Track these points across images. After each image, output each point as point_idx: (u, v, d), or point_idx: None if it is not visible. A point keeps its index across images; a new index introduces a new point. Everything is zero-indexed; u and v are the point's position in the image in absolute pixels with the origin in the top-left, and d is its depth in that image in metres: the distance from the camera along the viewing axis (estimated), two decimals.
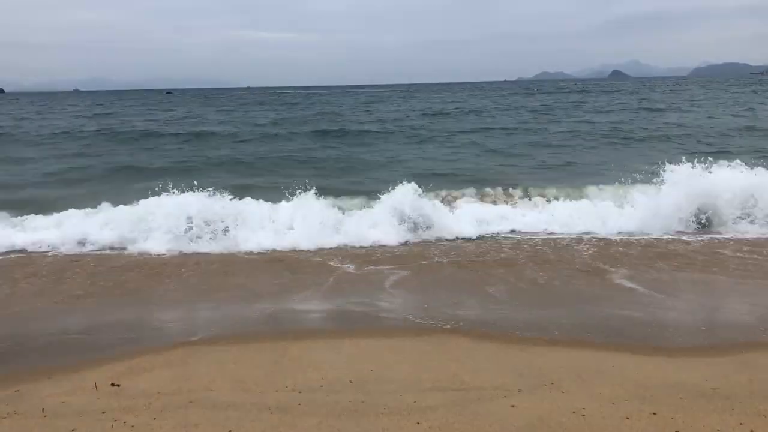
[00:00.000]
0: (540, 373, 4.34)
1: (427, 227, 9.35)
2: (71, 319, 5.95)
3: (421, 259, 8.02)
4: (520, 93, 70.43)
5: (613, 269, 7.33)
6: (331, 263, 7.83)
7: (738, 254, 7.96)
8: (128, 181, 14.20)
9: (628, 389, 4.04)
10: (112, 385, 4.26)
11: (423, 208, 9.53)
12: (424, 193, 10.10)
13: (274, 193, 10.52)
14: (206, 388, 4.19)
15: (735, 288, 6.65)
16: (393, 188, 9.96)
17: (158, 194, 9.73)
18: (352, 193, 12.26)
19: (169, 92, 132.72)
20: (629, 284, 6.74)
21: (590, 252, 8.23)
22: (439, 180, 13.47)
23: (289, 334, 5.35)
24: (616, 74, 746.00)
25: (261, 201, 10.11)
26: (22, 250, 8.70)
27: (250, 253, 8.51)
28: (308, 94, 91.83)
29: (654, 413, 3.66)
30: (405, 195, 9.67)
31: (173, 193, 9.59)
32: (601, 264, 7.60)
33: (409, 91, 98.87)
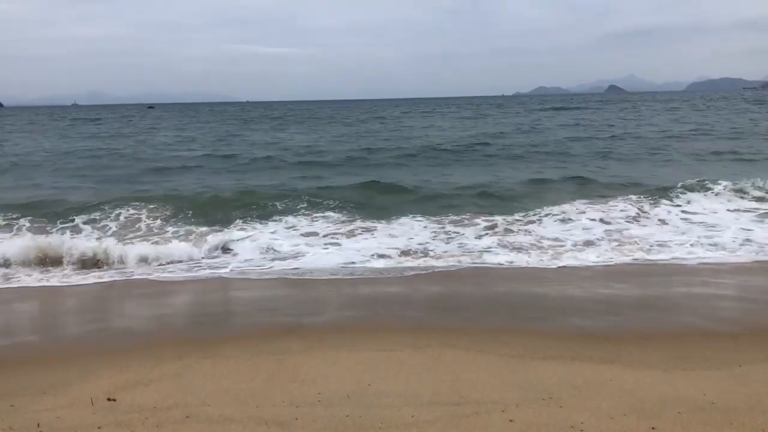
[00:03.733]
0: (538, 387, 4.33)
1: None
2: None
3: None
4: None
5: None
6: None
7: None
8: None
9: (626, 403, 4.02)
10: (108, 399, 4.24)
11: None
12: None
13: None
14: (202, 402, 4.17)
15: None
16: None
17: None
18: None
19: (150, 107, 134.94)
20: None
21: None
22: None
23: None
24: (613, 89, 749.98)
25: None
26: None
27: None
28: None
29: (653, 428, 3.65)
30: None
31: None
32: None
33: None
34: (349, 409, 4.00)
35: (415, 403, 4.09)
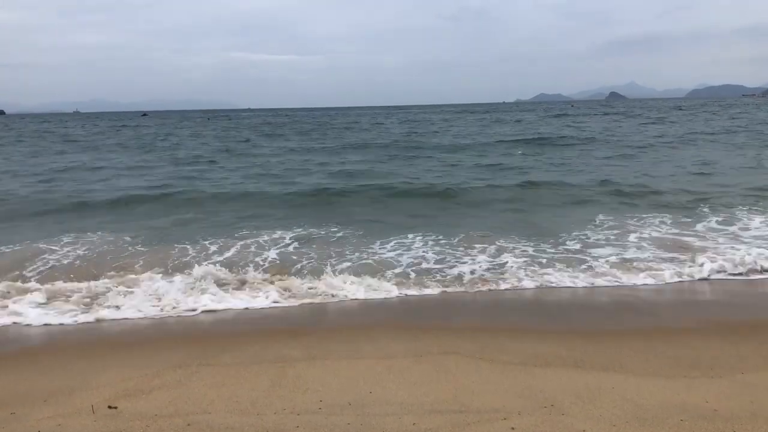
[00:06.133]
0: (540, 395, 4.32)
1: None
2: None
3: None
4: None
5: None
6: None
7: None
8: None
9: (628, 411, 4.01)
10: (110, 407, 4.23)
11: None
12: None
13: None
14: (203, 410, 4.16)
15: None
16: None
17: None
18: None
19: (144, 114, 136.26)
20: None
21: None
22: None
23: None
24: (614, 96, 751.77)
25: None
26: None
27: None
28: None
29: None
30: None
31: None
32: None
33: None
34: (350, 417, 3.99)
35: (417, 411, 4.08)
